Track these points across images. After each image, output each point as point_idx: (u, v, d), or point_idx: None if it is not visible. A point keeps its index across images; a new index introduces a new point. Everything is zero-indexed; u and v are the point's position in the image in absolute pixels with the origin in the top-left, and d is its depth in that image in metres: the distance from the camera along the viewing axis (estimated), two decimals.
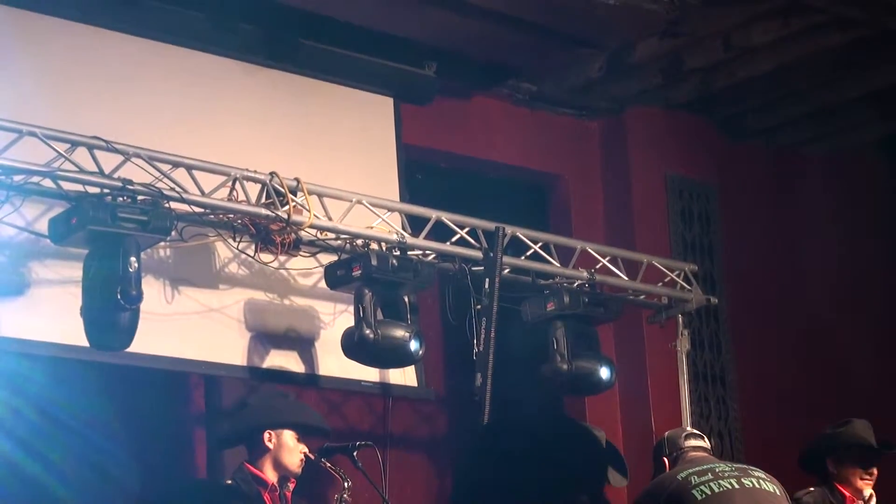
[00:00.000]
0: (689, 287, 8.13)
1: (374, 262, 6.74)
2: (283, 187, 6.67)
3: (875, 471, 6.56)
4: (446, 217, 7.32)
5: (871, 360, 9.65)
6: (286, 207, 6.65)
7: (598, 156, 9.15)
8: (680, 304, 8.10)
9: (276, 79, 7.47)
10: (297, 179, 6.76)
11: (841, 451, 6.56)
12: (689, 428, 6.46)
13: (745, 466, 5.17)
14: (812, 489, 6.56)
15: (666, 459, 5.39)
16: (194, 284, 6.87)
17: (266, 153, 7.02)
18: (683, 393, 8.07)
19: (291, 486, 6.19)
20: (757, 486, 4.97)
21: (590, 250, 7.88)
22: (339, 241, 7.02)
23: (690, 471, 5.03)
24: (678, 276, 8.14)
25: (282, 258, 6.97)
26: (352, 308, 6.83)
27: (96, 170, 6.16)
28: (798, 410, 9.07)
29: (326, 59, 7.59)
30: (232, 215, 6.62)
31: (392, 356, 6.89)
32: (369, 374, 7.26)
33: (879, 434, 6.66)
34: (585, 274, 7.70)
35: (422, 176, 8.10)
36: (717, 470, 5.01)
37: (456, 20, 7.68)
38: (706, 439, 5.54)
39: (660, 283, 8.10)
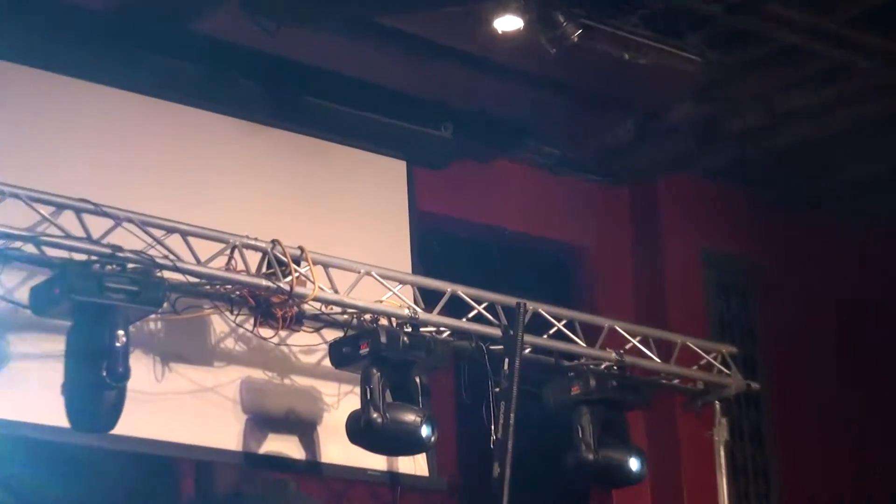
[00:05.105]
0: (727, 371, 7.99)
1: (383, 340, 6.65)
2: (285, 256, 6.59)
3: None
4: (462, 291, 7.22)
5: None
6: (289, 278, 6.55)
7: (627, 226, 9.10)
8: (717, 390, 7.94)
9: (279, 139, 7.48)
10: (300, 248, 6.67)
11: None
12: None
13: None
14: None
15: None
16: (187, 361, 6.79)
17: (268, 219, 7.00)
18: (721, 488, 7.85)
19: None
20: None
21: (618, 329, 7.74)
22: (345, 316, 6.91)
23: None
24: (715, 358, 8.01)
25: (283, 334, 6.90)
26: (358, 389, 6.71)
27: (83, 235, 6.09)
28: None
29: (334, 118, 7.61)
30: (230, 286, 6.55)
31: (402, 442, 6.80)
32: (376, 461, 7.15)
33: None
34: (614, 355, 7.58)
35: (436, 246, 8.02)
36: None
37: (474, 78, 7.68)
38: None
39: (695, 367, 7.98)
